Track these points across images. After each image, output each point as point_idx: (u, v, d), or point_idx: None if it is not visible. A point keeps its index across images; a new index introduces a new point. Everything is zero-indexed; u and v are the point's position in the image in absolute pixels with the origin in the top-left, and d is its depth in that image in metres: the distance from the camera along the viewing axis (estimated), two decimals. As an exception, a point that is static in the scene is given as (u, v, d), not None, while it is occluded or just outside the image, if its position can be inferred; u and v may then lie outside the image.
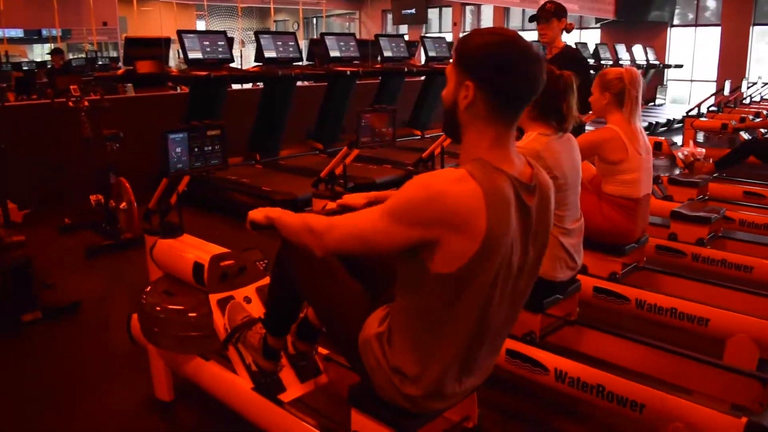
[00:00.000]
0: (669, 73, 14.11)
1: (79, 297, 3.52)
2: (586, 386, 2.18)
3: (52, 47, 12.31)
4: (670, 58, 14.18)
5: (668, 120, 10.50)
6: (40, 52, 15.74)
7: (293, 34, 6.89)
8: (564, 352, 2.33)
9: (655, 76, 13.34)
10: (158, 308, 2.28)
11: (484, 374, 1.65)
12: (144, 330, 2.36)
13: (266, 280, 2.29)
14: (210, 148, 2.35)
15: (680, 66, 13.11)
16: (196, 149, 2.30)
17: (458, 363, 1.52)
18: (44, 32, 14.79)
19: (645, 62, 11.98)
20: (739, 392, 2.22)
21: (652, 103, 12.98)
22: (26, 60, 14.20)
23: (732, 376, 2.25)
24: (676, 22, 14.63)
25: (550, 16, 3.76)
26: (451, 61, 1.50)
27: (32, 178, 5.42)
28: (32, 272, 3.36)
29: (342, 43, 7.21)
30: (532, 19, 3.90)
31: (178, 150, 2.25)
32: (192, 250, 2.32)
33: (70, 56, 14.35)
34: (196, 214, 5.55)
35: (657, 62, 12.56)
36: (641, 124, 3.04)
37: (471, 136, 1.46)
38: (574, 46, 4.00)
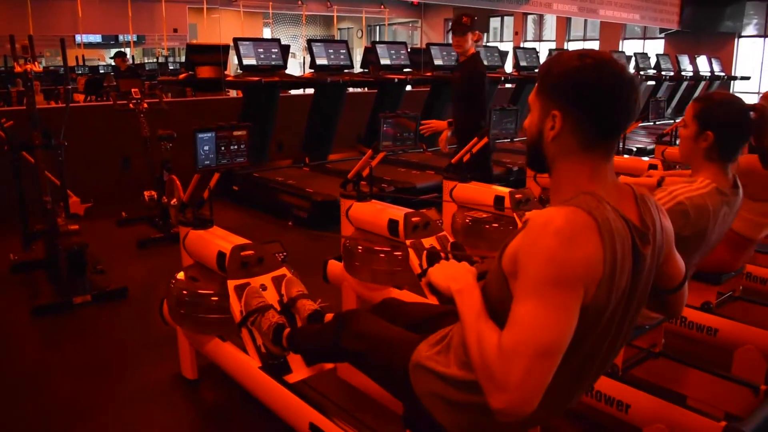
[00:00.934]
0: (735, 86, 13.68)
1: (126, 284, 3.82)
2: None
3: (114, 52, 12.91)
4: (737, 70, 13.74)
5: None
6: (117, 57, 16.62)
7: (345, 42, 7.11)
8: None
9: (721, 88, 12.96)
10: (184, 292, 2.51)
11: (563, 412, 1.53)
12: (172, 312, 2.59)
13: (282, 270, 2.46)
14: (236, 146, 2.55)
15: (747, 78, 12.69)
16: (222, 147, 2.51)
17: (554, 397, 1.28)
18: (120, 38, 15.61)
19: (709, 74, 11.67)
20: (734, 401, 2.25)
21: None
22: (103, 63, 15.06)
23: (727, 383, 2.28)
24: (744, 32, 14.18)
25: (467, 29, 4.12)
26: (534, 87, 1.39)
27: (96, 174, 5.83)
28: (86, 259, 3.66)
29: (393, 52, 7.39)
30: (454, 31, 4.27)
31: (206, 148, 2.46)
32: (218, 241, 2.53)
33: (145, 60, 15.13)
34: (245, 211, 5.85)
35: (722, 74, 12.20)
36: None
37: (562, 171, 1.33)
38: (479, 55, 4.41)
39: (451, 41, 4.53)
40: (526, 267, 1.20)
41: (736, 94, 2.08)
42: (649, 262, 1.32)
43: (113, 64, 14.86)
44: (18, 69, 3.93)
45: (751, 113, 2.02)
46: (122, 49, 9.06)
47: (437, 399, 1.48)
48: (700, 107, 2.06)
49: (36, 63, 4.00)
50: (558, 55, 1.33)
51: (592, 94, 1.26)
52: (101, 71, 12.53)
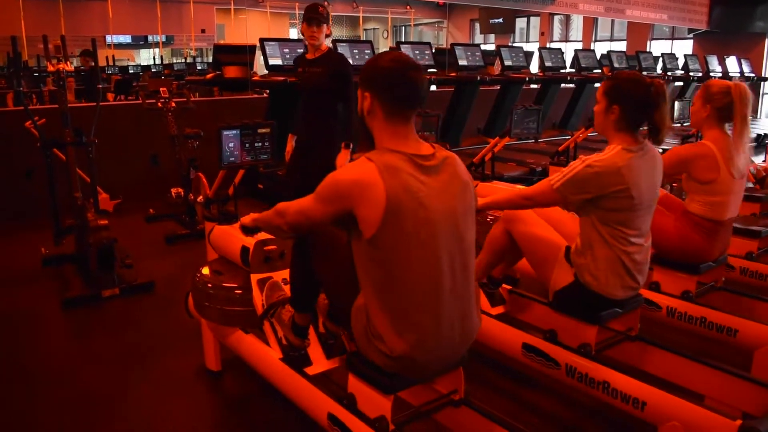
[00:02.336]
0: (766, 87, 13.44)
1: (153, 278, 3.92)
2: (593, 382, 2.28)
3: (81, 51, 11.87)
4: (768, 71, 13.52)
5: (758, 135, 10.05)
6: (146, 57, 16.91)
7: (369, 42, 7.16)
8: (575, 350, 2.41)
9: (751, 89, 12.75)
10: (209, 285, 2.58)
11: (460, 343, 1.88)
12: (196, 304, 2.66)
13: (303, 266, 2.51)
14: (260, 144, 2.61)
15: (778, 79, 12.49)
16: (247, 145, 2.57)
17: (426, 319, 1.77)
18: (149, 38, 15.87)
19: (739, 74, 11.49)
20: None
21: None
22: (133, 64, 15.33)
23: (745, 383, 2.28)
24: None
25: (323, 20, 3.84)
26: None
27: (125, 171, 5.96)
28: (115, 254, 3.76)
29: (417, 52, 7.42)
30: (309, 21, 3.83)
31: (231, 145, 2.53)
32: (241, 236, 2.59)
33: (174, 60, 15.36)
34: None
35: (752, 74, 12.00)
36: (747, 144, 2.88)
37: (375, 134, 1.84)
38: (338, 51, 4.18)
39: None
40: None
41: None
42: (440, 170, 1.79)
43: (142, 65, 15.17)
44: (51, 68, 4.05)
45: (651, 89, 2.25)
46: (89, 49, 8.53)
47: (365, 339, 1.83)
48: (609, 85, 2.31)
49: (68, 62, 4.12)
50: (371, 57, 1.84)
51: (382, 80, 1.78)
52: (131, 71, 12.77)
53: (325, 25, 3.85)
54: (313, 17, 3.80)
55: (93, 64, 4.00)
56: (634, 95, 2.25)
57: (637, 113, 2.25)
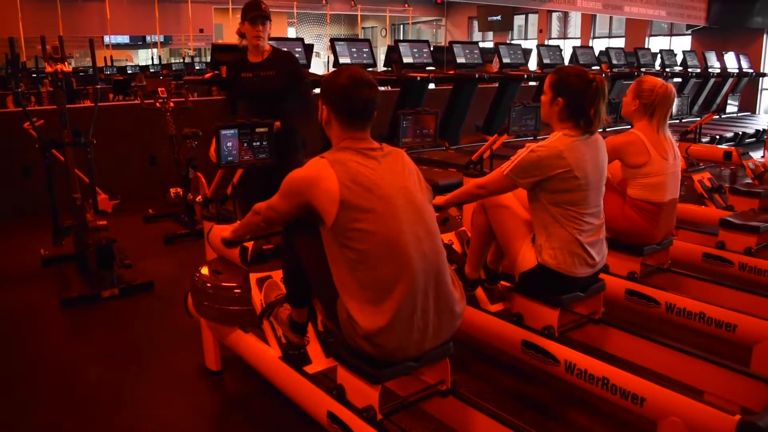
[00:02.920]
0: (765, 82, 13.43)
1: (153, 278, 3.91)
2: (592, 378, 2.28)
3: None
4: (767, 66, 13.49)
5: (757, 131, 10.04)
6: (145, 57, 16.90)
7: (367, 41, 7.15)
8: (577, 347, 2.42)
9: (749, 84, 12.74)
10: (208, 284, 2.58)
11: (439, 323, 1.95)
12: (196, 304, 2.66)
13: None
14: (258, 143, 2.61)
15: (776, 74, 12.47)
16: (245, 144, 2.57)
17: (398, 293, 1.85)
18: (147, 38, 15.86)
19: (737, 70, 11.48)
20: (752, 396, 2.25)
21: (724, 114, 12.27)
22: (131, 64, 15.31)
23: (745, 379, 2.28)
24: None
25: (268, 16, 3.48)
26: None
27: (124, 171, 5.96)
28: (114, 254, 3.76)
29: (416, 50, 7.41)
30: (253, 20, 3.45)
31: (229, 144, 2.53)
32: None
33: (172, 60, 15.36)
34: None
35: (751, 70, 11.99)
36: (669, 134, 3.11)
37: (333, 141, 2.01)
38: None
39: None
40: None
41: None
42: (387, 159, 1.95)
43: (141, 65, 15.15)
44: (49, 69, 4.05)
45: (592, 85, 2.39)
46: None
47: (347, 325, 1.90)
48: (554, 78, 2.46)
49: (66, 63, 4.11)
50: (331, 72, 2.02)
51: (337, 96, 1.94)
52: (129, 71, 12.76)
53: (269, 23, 3.52)
54: (258, 15, 3.44)
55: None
56: (576, 89, 2.40)
57: (578, 106, 2.40)
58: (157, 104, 5.26)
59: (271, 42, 3.74)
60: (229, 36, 16.08)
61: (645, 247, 3.10)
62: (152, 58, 15.78)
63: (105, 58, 13.59)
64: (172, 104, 5.29)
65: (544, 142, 2.43)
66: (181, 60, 14.84)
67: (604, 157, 2.55)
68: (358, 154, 1.92)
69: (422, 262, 1.90)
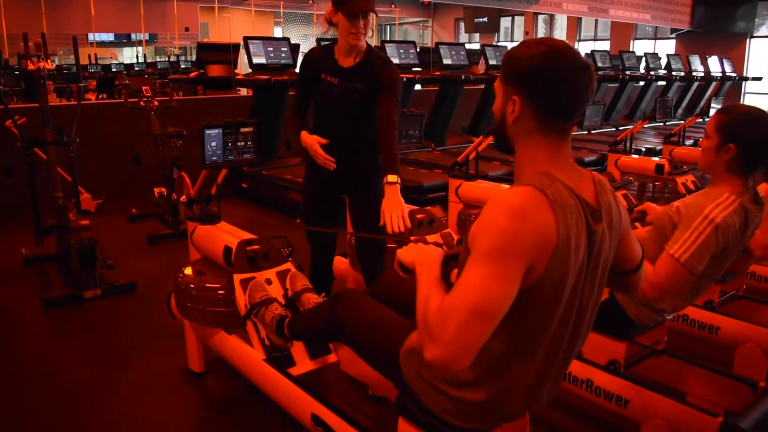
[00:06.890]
0: (747, 86, 13.60)
1: (136, 278, 3.88)
2: (576, 380, 2.29)
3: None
4: (749, 71, 13.65)
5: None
6: (129, 55, 16.77)
7: (287, 39, 7.01)
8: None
9: (732, 88, 12.89)
10: (191, 285, 2.56)
11: (544, 400, 1.57)
12: (179, 305, 2.63)
13: (287, 265, 2.50)
14: (243, 143, 2.59)
15: (759, 79, 12.60)
16: (230, 144, 2.55)
17: (527, 381, 1.45)
18: (132, 36, 15.74)
19: (720, 74, 11.61)
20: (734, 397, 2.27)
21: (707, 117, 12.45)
22: (115, 62, 15.19)
23: (728, 381, 2.30)
24: (757, 33, 14.09)
25: (372, 6, 2.61)
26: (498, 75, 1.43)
27: (107, 171, 5.91)
28: (96, 254, 3.72)
29: (402, 51, 7.41)
30: (353, 13, 2.56)
31: (213, 144, 2.50)
32: (224, 236, 2.57)
33: (157, 59, 15.25)
34: (253, 208, 5.90)
35: (734, 74, 12.13)
36: None
37: (524, 150, 1.40)
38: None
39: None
40: (477, 240, 1.28)
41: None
42: (603, 240, 1.40)
43: (125, 63, 15.02)
44: (31, 67, 3.99)
45: None
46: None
47: (425, 383, 1.54)
48: (724, 119, 2.03)
49: (49, 61, 4.06)
50: (519, 45, 1.39)
51: (545, 79, 1.33)
52: (114, 69, 12.65)
53: (372, 15, 2.61)
54: (361, 8, 2.54)
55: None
56: (756, 136, 1.99)
57: (756, 156, 2.00)
58: (142, 103, 5.22)
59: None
60: (215, 35, 16.01)
61: (726, 275, 2.75)
62: (137, 57, 15.64)
63: (89, 56, 13.46)
64: (156, 103, 5.25)
65: (723, 206, 1.98)
66: (167, 59, 14.73)
67: None
68: (573, 195, 1.34)
69: (564, 353, 1.50)
